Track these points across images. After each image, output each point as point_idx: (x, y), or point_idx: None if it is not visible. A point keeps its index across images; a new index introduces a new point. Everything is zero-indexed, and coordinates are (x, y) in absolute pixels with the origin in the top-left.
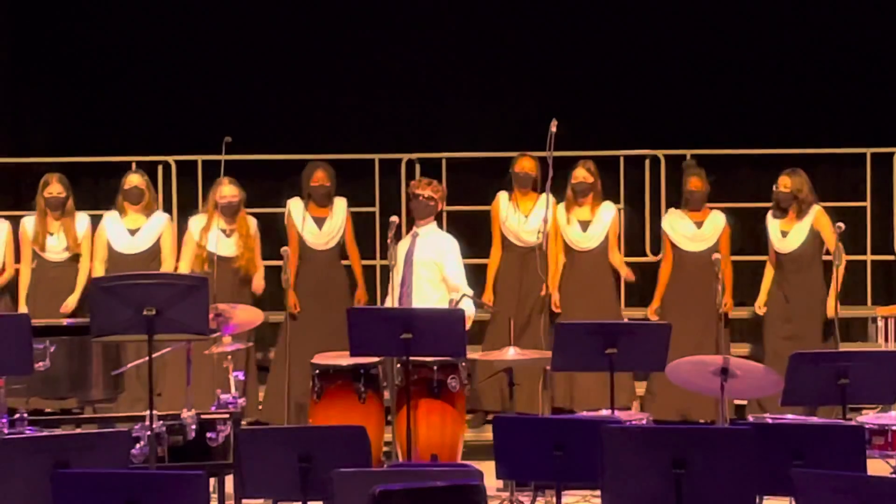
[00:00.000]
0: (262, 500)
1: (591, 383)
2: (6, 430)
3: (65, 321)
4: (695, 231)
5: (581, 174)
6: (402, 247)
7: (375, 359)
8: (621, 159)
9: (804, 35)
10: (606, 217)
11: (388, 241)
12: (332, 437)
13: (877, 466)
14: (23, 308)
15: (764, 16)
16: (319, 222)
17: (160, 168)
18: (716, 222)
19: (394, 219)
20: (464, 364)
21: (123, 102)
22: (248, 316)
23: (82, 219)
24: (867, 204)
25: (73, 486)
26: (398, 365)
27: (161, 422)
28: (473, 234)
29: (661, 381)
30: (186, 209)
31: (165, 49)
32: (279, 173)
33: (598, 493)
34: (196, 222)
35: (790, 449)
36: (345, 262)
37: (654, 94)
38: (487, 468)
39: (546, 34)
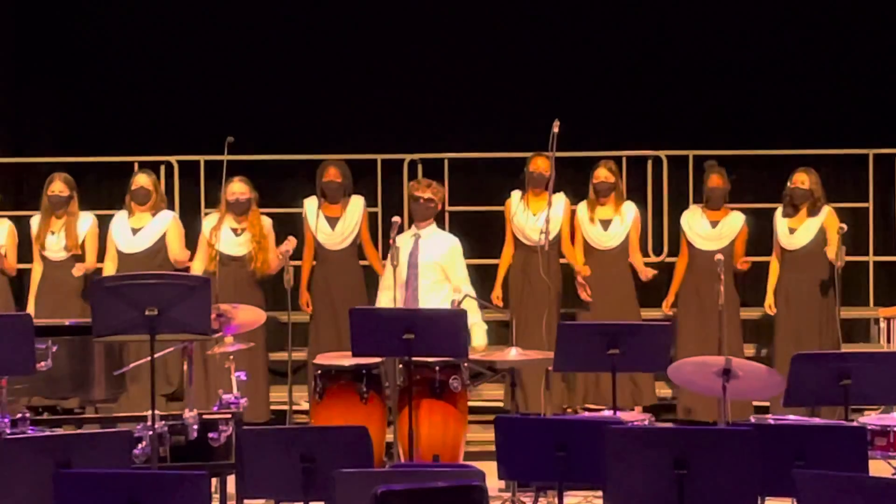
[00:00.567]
0: (263, 501)
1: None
2: (8, 430)
3: (67, 321)
4: (710, 230)
5: (603, 174)
6: (405, 248)
7: (377, 359)
8: (624, 160)
9: (807, 36)
10: (629, 217)
11: (391, 241)
12: (334, 437)
13: (879, 467)
14: (31, 307)
15: (767, 17)
16: (332, 222)
17: (163, 168)
18: (733, 223)
19: (396, 219)
20: (465, 364)
21: (126, 102)
22: (250, 316)
23: (86, 219)
24: (869, 205)
25: (75, 485)
26: (400, 365)
27: (163, 422)
28: (476, 235)
29: None
30: (189, 209)
31: (168, 49)
32: (281, 173)
33: (600, 493)
34: (208, 222)
35: (792, 449)
36: (364, 263)
37: (657, 95)
38: (489, 469)
39: (549, 34)
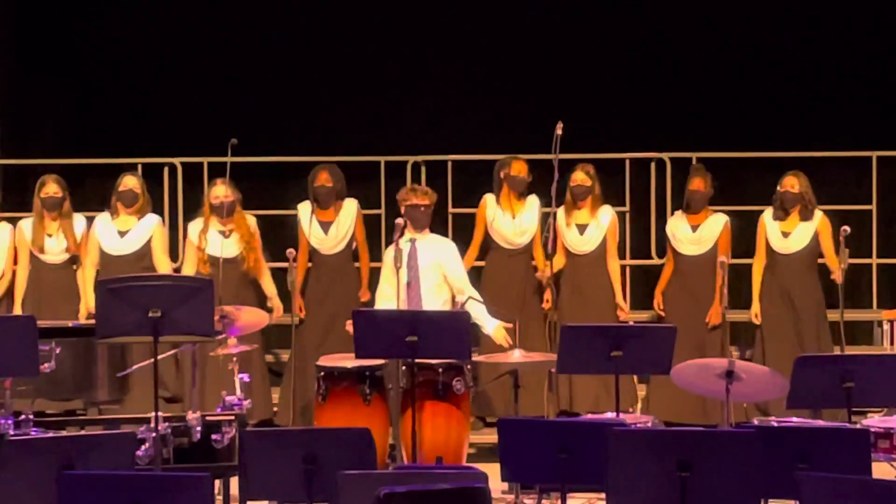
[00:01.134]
0: (266, 502)
1: (592, 386)
2: (12, 432)
3: (70, 322)
4: (691, 234)
5: (579, 177)
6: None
7: (380, 361)
8: (627, 162)
9: (811, 38)
10: (604, 220)
11: (395, 243)
12: (337, 439)
13: (882, 470)
14: (17, 310)
15: (771, 19)
16: (325, 226)
17: (166, 170)
18: (714, 225)
19: (399, 221)
20: (468, 366)
21: (129, 104)
22: (253, 318)
23: (80, 221)
24: (873, 207)
25: (78, 487)
26: (403, 367)
27: (166, 423)
28: None
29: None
30: (192, 211)
31: (171, 51)
32: (285, 175)
33: (603, 495)
34: (194, 227)
35: (795, 452)
36: (358, 265)
37: (660, 98)
38: (492, 470)
39: (552, 37)
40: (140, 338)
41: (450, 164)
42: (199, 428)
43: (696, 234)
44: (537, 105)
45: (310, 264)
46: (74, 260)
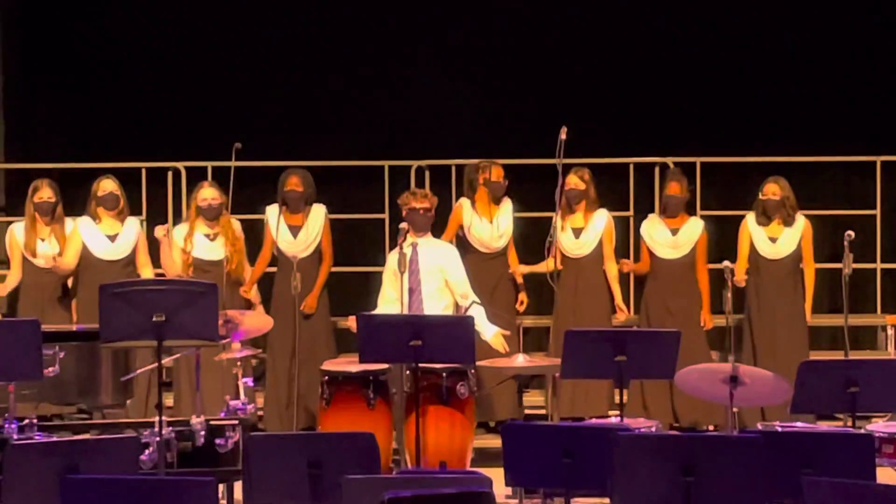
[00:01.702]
0: None
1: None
2: (15, 436)
3: (74, 327)
4: (670, 238)
5: (573, 181)
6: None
7: (384, 365)
8: (631, 167)
9: (814, 42)
10: (599, 224)
11: (399, 247)
12: (341, 443)
13: (886, 475)
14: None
15: (774, 24)
16: (294, 231)
17: (170, 174)
18: (692, 230)
19: (403, 225)
20: (472, 371)
21: (133, 108)
22: (257, 322)
23: (69, 224)
24: (877, 212)
25: (82, 491)
26: (407, 372)
27: (170, 428)
28: None
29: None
30: None
31: (175, 55)
32: None
33: (607, 500)
34: (179, 231)
35: (799, 457)
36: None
37: (664, 102)
38: (497, 475)
39: (556, 41)
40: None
41: (453, 168)
42: (202, 432)
43: (674, 238)
44: (541, 110)
45: (274, 268)
46: None
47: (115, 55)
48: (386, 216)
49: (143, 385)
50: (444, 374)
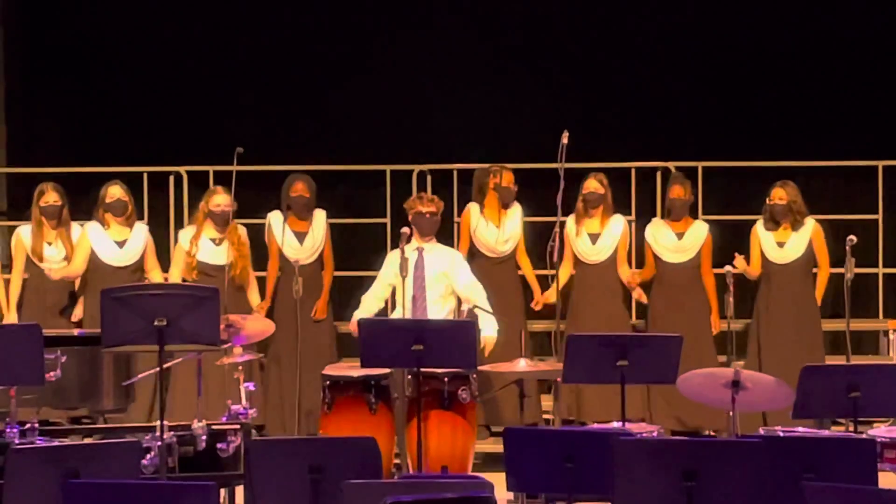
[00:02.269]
0: None
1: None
2: (17, 441)
3: (76, 331)
4: (676, 242)
5: (592, 185)
6: (409, 262)
7: (386, 370)
8: (633, 171)
9: (816, 47)
10: (616, 230)
11: (401, 252)
12: (342, 448)
13: (888, 480)
14: (13, 317)
15: (776, 28)
16: (300, 237)
17: (172, 178)
18: (697, 233)
19: (405, 230)
20: (474, 376)
21: (135, 113)
22: (258, 327)
23: (76, 230)
24: (879, 217)
25: (83, 496)
26: (409, 376)
27: (171, 432)
28: None
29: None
30: None
31: (177, 60)
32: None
33: None
34: (185, 234)
35: (801, 462)
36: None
37: (667, 107)
38: (498, 480)
39: (558, 45)
40: (146, 347)
41: (455, 173)
42: (204, 437)
43: (680, 243)
44: (543, 114)
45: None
46: None
47: (116, 60)
48: (388, 221)
49: (145, 390)
50: (446, 379)
